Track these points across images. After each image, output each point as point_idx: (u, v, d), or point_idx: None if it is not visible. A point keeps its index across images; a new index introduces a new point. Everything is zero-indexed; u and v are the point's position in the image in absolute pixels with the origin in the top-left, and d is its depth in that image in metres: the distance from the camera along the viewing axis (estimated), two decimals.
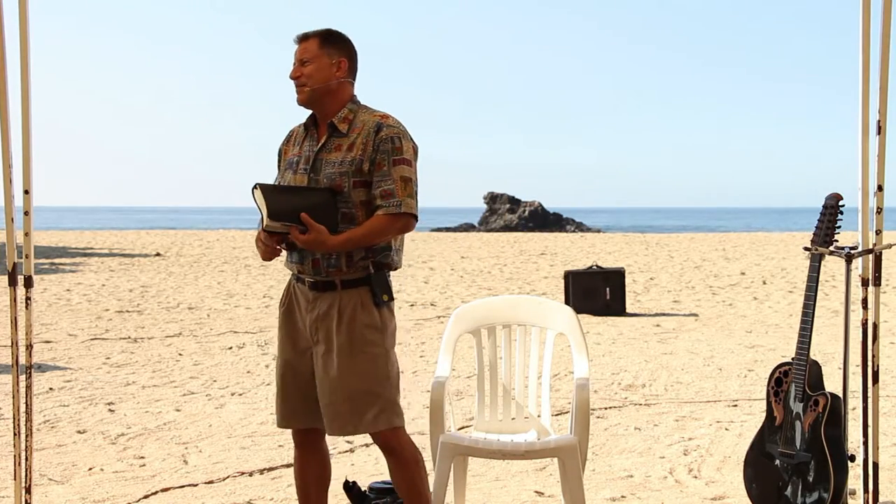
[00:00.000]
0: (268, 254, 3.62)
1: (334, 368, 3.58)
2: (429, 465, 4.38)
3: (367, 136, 3.59)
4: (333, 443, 5.94)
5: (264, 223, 3.53)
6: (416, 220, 3.65)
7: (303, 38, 3.64)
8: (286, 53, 3.83)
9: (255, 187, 3.52)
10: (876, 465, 4.14)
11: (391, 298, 3.67)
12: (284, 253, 3.71)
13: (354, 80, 3.73)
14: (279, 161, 3.82)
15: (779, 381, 4.00)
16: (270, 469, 5.39)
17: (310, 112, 3.72)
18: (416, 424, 6.42)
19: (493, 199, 52.77)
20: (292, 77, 3.64)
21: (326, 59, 3.61)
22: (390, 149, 3.58)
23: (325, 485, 3.86)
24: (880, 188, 4.09)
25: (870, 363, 4.12)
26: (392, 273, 3.69)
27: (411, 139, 3.65)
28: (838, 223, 3.99)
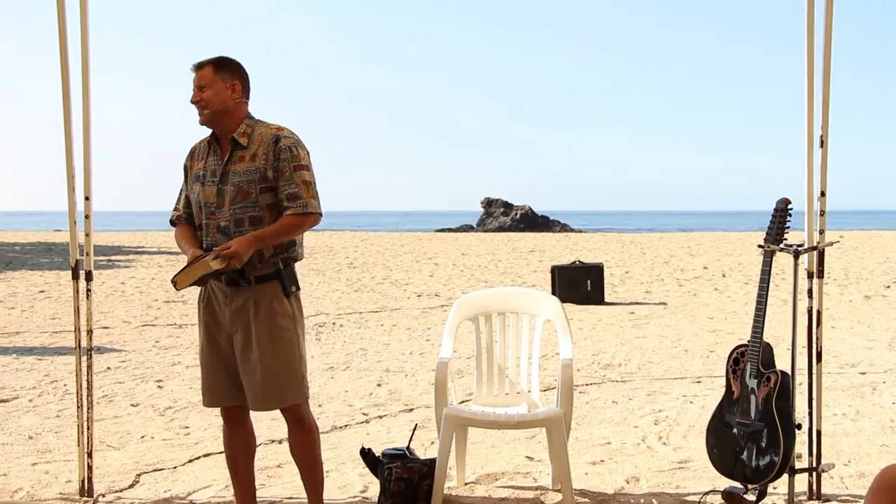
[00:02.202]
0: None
1: (255, 353, 3.55)
2: (433, 434, 4.40)
3: (268, 148, 3.56)
4: (351, 415, 5.95)
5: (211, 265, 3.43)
6: (321, 217, 3.62)
7: (199, 67, 3.58)
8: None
9: (173, 282, 3.52)
10: (819, 433, 4.15)
11: (298, 289, 3.66)
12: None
13: (248, 98, 3.66)
14: (186, 175, 3.74)
15: (736, 361, 4.00)
16: None
17: (210, 130, 3.66)
18: (422, 399, 6.43)
19: (489, 203, 52.64)
20: (193, 101, 3.56)
21: (221, 83, 3.56)
22: (290, 157, 3.55)
23: (251, 454, 3.83)
24: (823, 194, 4.10)
25: (814, 345, 4.13)
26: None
27: (305, 146, 3.62)
28: (788, 224, 3.99)
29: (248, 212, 3.53)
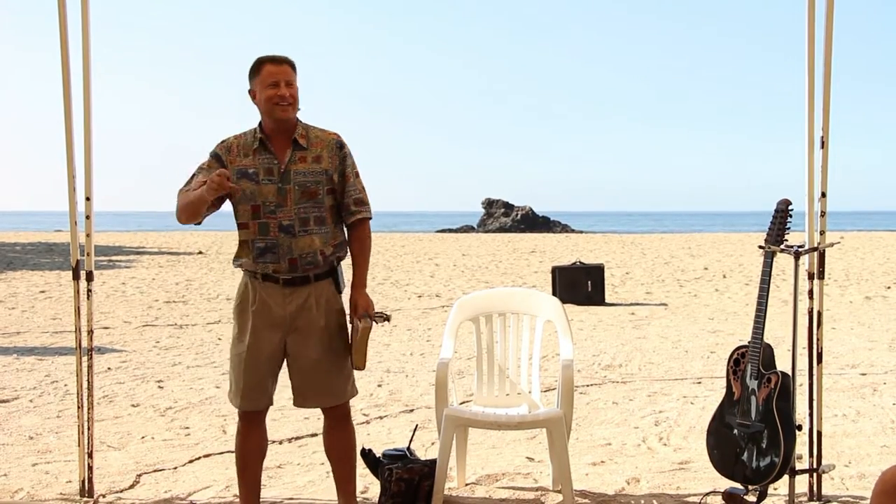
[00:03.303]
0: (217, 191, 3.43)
1: (316, 350, 3.59)
2: (434, 435, 4.39)
3: (332, 152, 3.63)
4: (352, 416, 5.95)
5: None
6: None
7: (285, 62, 3.58)
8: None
9: (357, 367, 3.65)
10: (819, 434, 4.15)
11: (345, 287, 3.74)
12: (244, 262, 3.61)
13: None
14: (217, 163, 3.61)
15: (737, 362, 4.00)
16: (297, 438, 5.39)
17: (247, 128, 3.66)
18: (423, 400, 6.42)
19: (489, 204, 52.67)
20: (283, 95, 3.52)
21: (296, 84, 3.61)
22: (352, 163, 3.68)
23: (263, 456, 3.81)
24: (823, 195, 4.10)
25: (815, 346, 4.12)
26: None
27: None
28: (788, 225, 3.99)
29: (312, 212, 3.57)
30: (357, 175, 3.69)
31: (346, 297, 3.74)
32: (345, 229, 3.73)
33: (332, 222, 3.63)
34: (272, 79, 3.53)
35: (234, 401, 3.69)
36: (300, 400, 3.69)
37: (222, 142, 3.68)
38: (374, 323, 3.64)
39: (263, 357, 3.61)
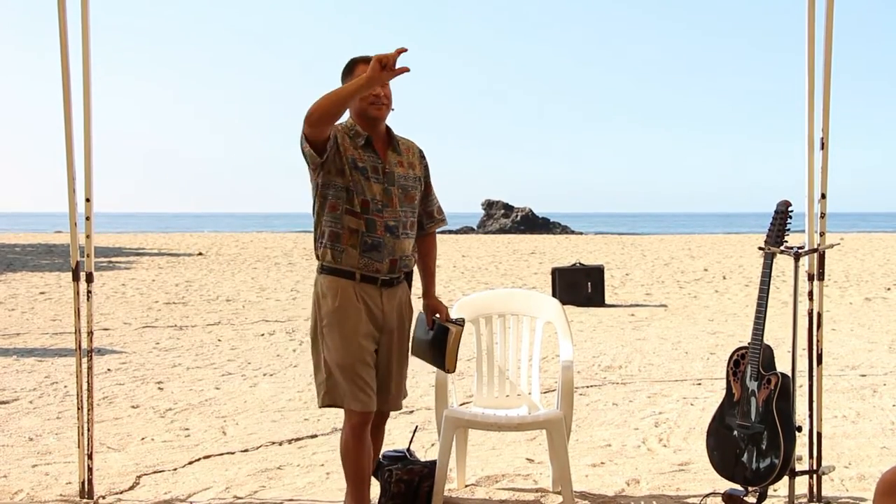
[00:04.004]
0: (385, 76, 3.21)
1: (402, 350, 3.70)
2: (434, 436, 4.39)
3: (419, 160, 3.72)
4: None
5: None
6: None
7: None
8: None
9: (448, 371, 3.84)
10: (819, 435, 4.15)
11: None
12: (345, 255, 3.52)
13: None
14: (335, 140, 3.48)
15: (737, 363, 4.00)
16: (297, 439, 5.39)
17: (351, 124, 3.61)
18: (423, 401, 6.42)
19: (489, 205, 52.62)
20: (378, 95, 3.48)
21: (389, 84, 3.57)
22: (429, 173, 3.78)
23: (373, 458, 3.77)
24: (823, 196, 4.10)
25: (815, 347, 4.13)
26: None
27: None
28: (788, 226, 3.99)
29: (409, 216, 3.63)
30: (432, 185, 3.82)
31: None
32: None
33: (417, 228, 3.74)
34: None
35: (343, 405, 3.52)
36: (382, 402, 3.65)
37: (343, 126, 3.56)
38: (456, 329, 3.76)
39: (368, 358, 3.56)
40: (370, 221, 3.50)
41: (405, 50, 3.17)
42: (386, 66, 3.15)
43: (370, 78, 3.17)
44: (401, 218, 3.57)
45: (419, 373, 7.56)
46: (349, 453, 3.55)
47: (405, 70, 3.18)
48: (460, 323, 3.80)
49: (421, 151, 3.75)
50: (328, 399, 3.53)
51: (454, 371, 3.78)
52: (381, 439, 3.83)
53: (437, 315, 3.79)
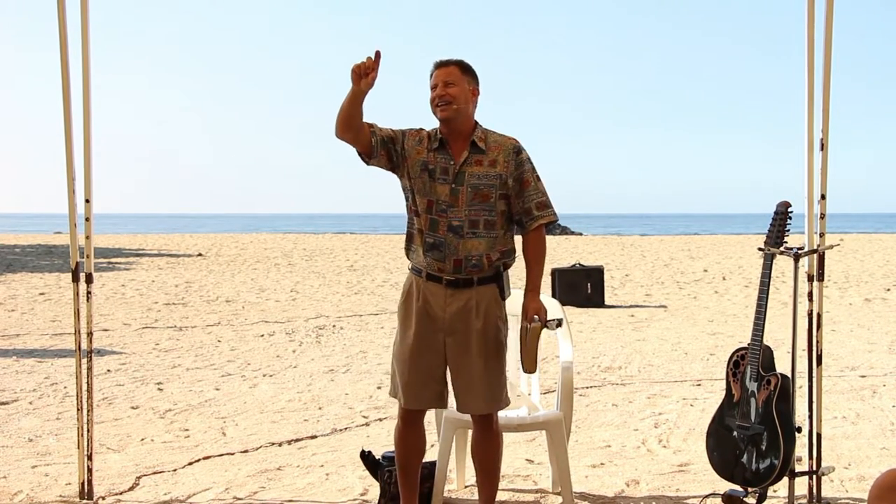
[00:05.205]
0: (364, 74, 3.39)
1: (474, 355, 3.60)
2: (433, 437, 4.39)
3: (508, 157, 3.63)
4: (351, 418, 5.95)
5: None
6: None
7: (445, 64, 3.60)
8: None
9: (529, 371, 3.69)
10: (819, 436, 4.15)
11: (510, 293, 3.75)
12: (415, 254, 3.65)
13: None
14: (401, 137, 3.65)
15: (736, 364, 4.00)
16: (297, 440, 5.39)
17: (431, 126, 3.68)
18: None
19: None
20: (437, 96, 3.56)
21: (465, 84, 3.60)
22: (531, 168, 3.68)
23: (422, 456, 3.82)
24: (823, 197, 4.10)
25: (814, 348, 4.13)
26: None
27: None
28: (788, 227, 3.99)
29: (483, 215, 3.59)
30: (538, 179, 3.68)
31: (511, 302, 3.77)
32: (513, 237, 3.74)
33: (502, 227, 3.66)
34: (433, 81, 3.60)
35: (396, 396, 3.70)
36: (459, 404, 3.69)
37: (418, 128, 3.70)
38: (536, 327, 3.63)
39: (424, 355, 3.60)
40: (433, 221, 3.58)
41: (379, 54, 3.36)
42: (362, 74, 3.35)
43: (352, 91, 3.39)
44: (469, 217, 3.57)
45: None
46: (396, 444, 3.77)
47: (378, 60, 3.35)
48: (552, 324, 3.69)
49: (515, 147, 3.64)
50: (390, 389, 3.74)
51: (532, 371, 3.65)
52: (490, 442, 3.74)
53: (526, 312, 3.68)
